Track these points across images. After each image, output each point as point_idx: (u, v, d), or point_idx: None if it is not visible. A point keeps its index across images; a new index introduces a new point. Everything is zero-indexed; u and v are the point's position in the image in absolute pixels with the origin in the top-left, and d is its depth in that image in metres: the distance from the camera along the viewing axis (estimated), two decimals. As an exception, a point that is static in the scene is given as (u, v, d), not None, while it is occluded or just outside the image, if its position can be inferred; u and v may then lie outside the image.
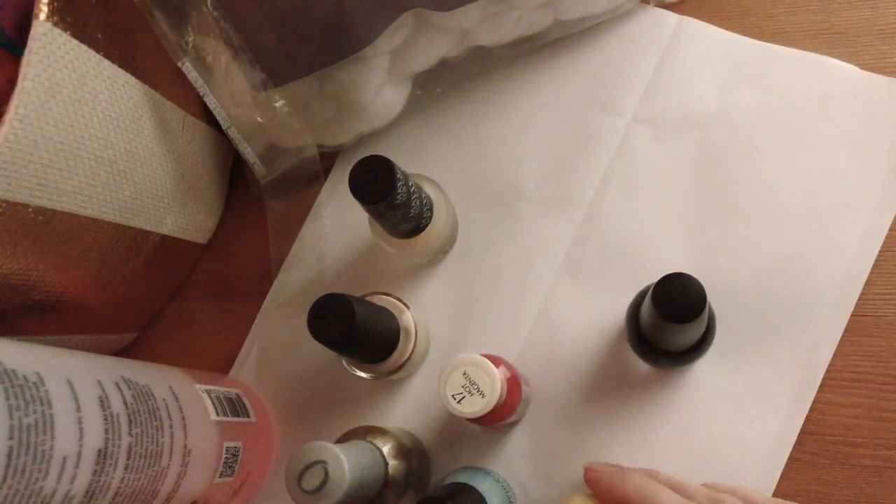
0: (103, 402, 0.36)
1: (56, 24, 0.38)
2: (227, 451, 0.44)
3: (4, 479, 0.30)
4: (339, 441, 0.45)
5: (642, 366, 0.48)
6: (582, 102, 0.53)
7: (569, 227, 0.51)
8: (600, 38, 0.53)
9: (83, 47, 0.40)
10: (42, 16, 0.37)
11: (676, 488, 0.40)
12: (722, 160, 0.50)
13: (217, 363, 0.54)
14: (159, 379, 0.42)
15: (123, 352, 0.55)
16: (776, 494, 0.45)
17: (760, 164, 0.49)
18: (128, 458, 0.36)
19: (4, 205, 0.37)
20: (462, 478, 0.43)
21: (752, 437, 0.46)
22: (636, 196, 0.51)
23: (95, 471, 0.34)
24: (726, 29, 0.52)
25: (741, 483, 0.44)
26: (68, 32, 0.39)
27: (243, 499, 0.49)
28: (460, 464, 0.49)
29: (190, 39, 0.46)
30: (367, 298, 0.47)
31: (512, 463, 0.48)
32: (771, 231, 0.48)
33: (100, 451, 0.34)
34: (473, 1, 0.46)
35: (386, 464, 0.43)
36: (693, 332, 0.41)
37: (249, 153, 0.50)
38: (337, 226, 0.54)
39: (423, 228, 0.46)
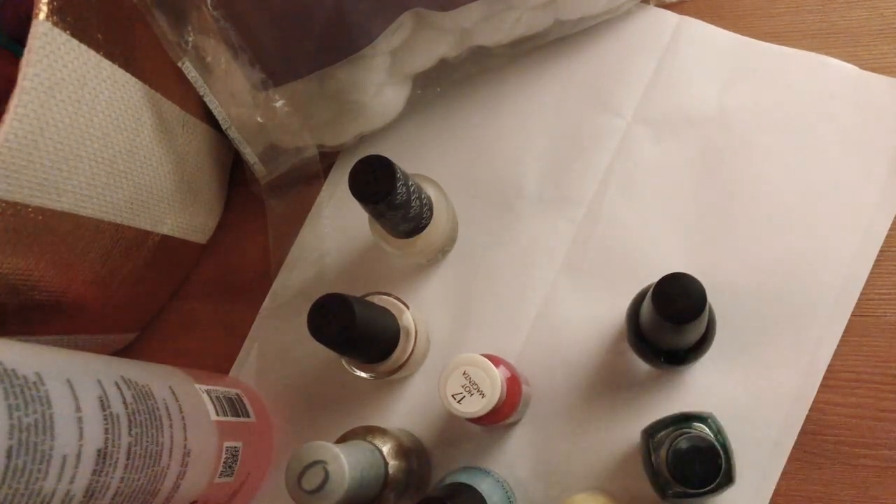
0: (103, 402, 0.36)
1: (56, 24, 0.38)
2: (226, 451, 0.44)
3: (4, 478, 0.30)
4: (339, 441, 0.45)
5: (642, 366, 0.48)
6: (582, 102, 0.53)
7: (569, 226, 0.51)
8: (600, 38, 0.53)
9: (83, 47, 0.40)
10: (42, 15, 0.37)
11: None
12: (722, 160, 0.50)
13: (217, 363, 0.54)
14: (159, 379, 0.42)
15: (123, 352, 0.55)
16: (776, 494, 0.45)
17: (760, 163, 0.49)
18: (127, 458, 0.36)
19: (4, 205, 0.37)
20: (462, 478, 0.43)
21: (752, 437, 0.46)
22: (636, 196, 0.51)
23: (95, 471, 0.34)
24: (726, 29, 0.52)
25: (740, 483, 0.44)
26: (68, 32, 0.39)
27: (243, 499, 0.49)
28: (460, 464, 0.49)
29: (190, 39, 0.46)
30: (367, 298, 0.47)
31: (512, 463, 0.48)
32: (771, 231, 0.48)
33: (99, 450, 0.34)
34: (473, 1, 0.46)
35: (386, 464, 0.43)
36: (693, 332, 0.41)
37: (249, 153, 0.50)
38: (337, 226, 0.54)
39: (423, 228, 0.46)
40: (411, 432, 0.49)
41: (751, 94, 0.51)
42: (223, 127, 0.49)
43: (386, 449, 0.43)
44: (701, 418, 0.41)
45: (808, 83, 0.50)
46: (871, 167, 0.48)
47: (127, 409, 0.37)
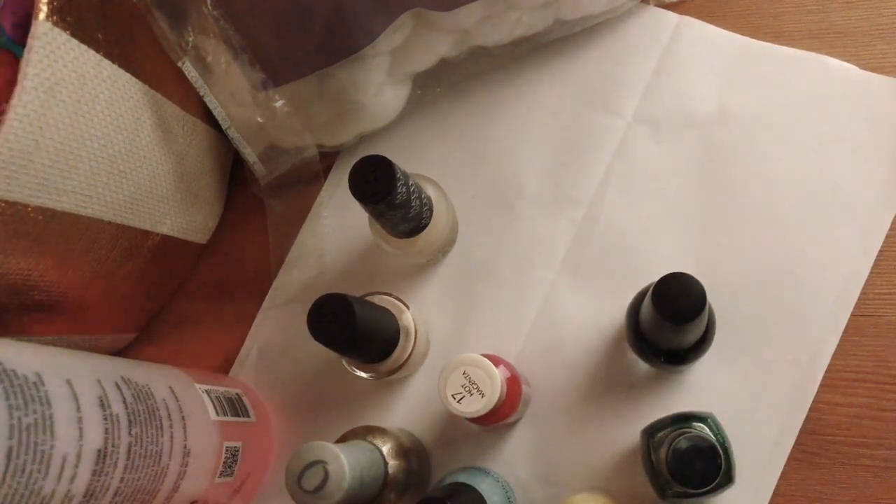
0: (103, 402, 0.36)
1: (56, 24, 0.38)
2: (226, 451, 0.44)
3: (4, 478, 0.30)
4: (339, 441, 0.45)
5: (642, 366, 0.48)
6: (582, 102, 0.53)
7: (569, 226, 0.51)
8: (600, 38, 0.53)
9: (83, 47, 0.40)
10: (42, 15, 0.37)
11: None
12: (722, 160, 0.50)
13: (217, 363, 0.54)
14: (159, 379, 0.42)
15: (123, 352, 0.55)
16: (776, 494, 0.45)
17: (760, 163, 0.49)
18: (127, 458, 0.36)
19: (4, 205, 0.37)
20: (462, 478, 0.43)
21: (752, 437, 0.46)
22: (636, 196, 0.51)
23: (95, 471, 0.34)
24: (726, 29, 0.52)
25: (740, 483, 0.44)
26: (68, 32, 0.39)
27: (243, 499, 0.49)
28: (460, 464, 0.49)
29: (190, 39, 0.46)
30: (367, 298, 0.47)
31: (512, 463, 0.48)
32: (771, 231, 0.48)
33: (99, 451, 0.34)
34: (473, 1, 0.46)
35: (386, 464, 0.43)
36: (693, 332, 0.41)
37: (249, 153, 0.50)
38: (337, 226, 0.54)
39: (423, 228, 0.46)
40: (411, 432, 0.49)
41: (751, 93, 0.51)
42: (223, 127, 0.49)
43: (386, 449, 0.43)
44: (701, 418, 0.42)
45: (808, 83, 0.50)
46: (871, 167, 0.48)
47: (127, 409, 0.37)
